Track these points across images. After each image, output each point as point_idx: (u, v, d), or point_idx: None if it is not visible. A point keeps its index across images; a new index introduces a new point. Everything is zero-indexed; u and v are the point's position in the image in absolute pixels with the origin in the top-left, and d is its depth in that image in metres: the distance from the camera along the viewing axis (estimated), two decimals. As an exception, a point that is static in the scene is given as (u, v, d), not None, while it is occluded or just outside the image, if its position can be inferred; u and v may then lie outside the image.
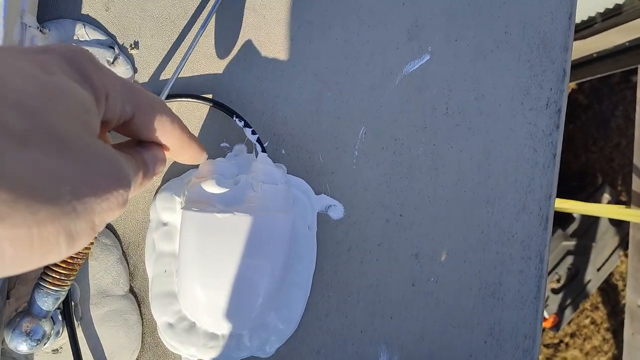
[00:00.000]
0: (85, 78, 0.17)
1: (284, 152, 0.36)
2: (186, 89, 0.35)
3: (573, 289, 1.28)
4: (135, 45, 0.34)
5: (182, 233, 0.31)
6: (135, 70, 0.34)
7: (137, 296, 0.34)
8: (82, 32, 0.33)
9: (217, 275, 0.32)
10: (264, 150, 0.34)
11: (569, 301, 1.28)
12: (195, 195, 0.31)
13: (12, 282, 0.31)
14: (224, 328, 0.33)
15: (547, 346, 1.42)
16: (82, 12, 0.34)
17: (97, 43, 0.33)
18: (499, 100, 0.38)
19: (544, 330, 1.39)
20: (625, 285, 1.37)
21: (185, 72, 0.35)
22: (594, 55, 1.25)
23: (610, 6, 1.13)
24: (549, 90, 0.39)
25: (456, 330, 0.38)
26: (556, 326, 1.28)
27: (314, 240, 0.36)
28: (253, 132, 0.34)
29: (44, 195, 0.14)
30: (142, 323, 0.34)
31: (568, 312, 1.28)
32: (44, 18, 0.33)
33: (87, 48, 0.33)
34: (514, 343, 0.39)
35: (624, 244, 1.32)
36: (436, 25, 0.37)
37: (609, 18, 1.14)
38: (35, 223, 0.13)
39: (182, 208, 0.32)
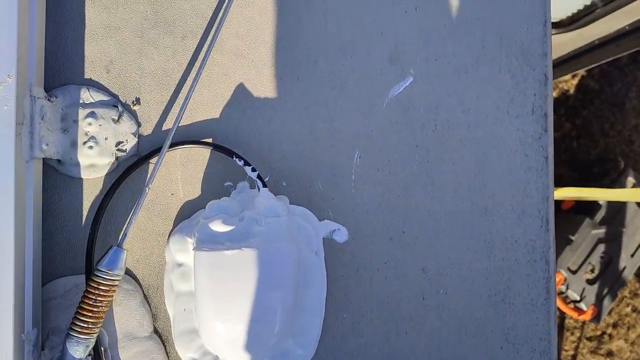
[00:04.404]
0: None
1: (284, 184, 0.38)
2: (187, 136, 0.37)
3: (609, 278, 1.25)
4: (137, 101, 0.37)
5: (196, 272, 0.33)
6: (139, 124, 0.37)
7: (161, 336, 0.36)
8: (87, 95, 0.36)
9: (233, 309, 0.34)
10: (264, 186, 0.36)
11: (606, 291, 1.25)
12: (204, 235, 0.34)
13: (45, 333, 0.34)
14: (245, 359, 0.35)
15: (589, 339, 1.38)
16: (85, 77, 0.37)
17: (102, 104, 0.36)
18: (485, 111, 0.40)
19: (584, 323, 1.36)
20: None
21: (185, 121, 0.37)
22: (596, 42, 1.25)
23: (607, -9, 1.13)
24: (532, 96, 0.41)
25: (471, 340, 0.39)
26: (596, 318, 1.25)
27: (323, 265, 0.37)
28: (253, 170, 0.36)
29: None
30: (168, 361, 0.36)
31: (607, 302, 1.25)
32: (50, 86, 0.36)
33: (93, 109, 0.35)
34: (530, 346, 0.39)
35: (655, 227, 1.30)
36: (415, 48, 0.39)
37: (610, 2, 1.14)
38: None
39: (193, 249, 0.34)
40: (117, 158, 0.36)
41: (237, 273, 0.33)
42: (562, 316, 1.37)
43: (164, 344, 0.36)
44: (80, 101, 0.36)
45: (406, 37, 0.39)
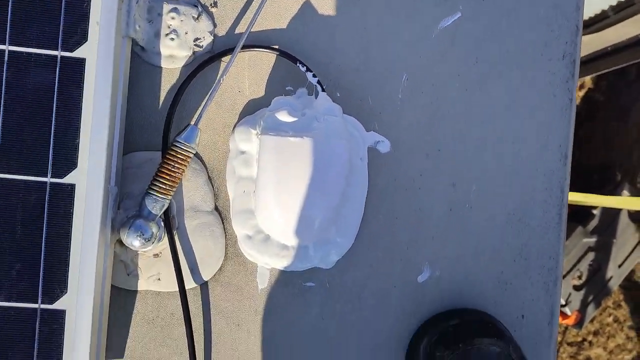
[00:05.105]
0: None
1: (338, 95, 0.42)
2: (256, 41, 0.41)
3: (595, 286, 1.29)
4: (214, 4, 0.41)
5: (261, 155, 0.38)
6: (215, 25, 0.41)
7: (220, 213, 0.40)
8: (171, -6, 0.40)
9: (289, 194, 0.38)
10: (323, 90, 0.40)
11: (591, 298, 1.29)
12: (270, 124, 0.38)
13: (120, 196, 0.38)
14: (293, 240, 0.39)
15: (570, 344, 1.42)
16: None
17: (183, 2, 0.40)
18: (522, 52, 0.44)
19: (566, 328, 1.39)
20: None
21: (256, 27, 0.41)
22: (609, 48, 1.28)
23: (623, -1, 1.16)
24: (564, 43, 0.45)
25: (489, 251, 0.43)
26: (579, 324, 1.28)
27: (366, 170, 0.42)
28: (314, 76, 0.40)
29: None
30: (225, 236, 0.40)
31: (590, 309, 1.29)
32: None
33: (176, 6, 0.39)
34: (540, 262, 0.44)
35: (646, 241, 1.33)
36: (466, -12, 0.44)
37: (621, 10, 1.18)
38: None
39: (260, 134, 0.38)
40: (194, 52, 0.40)
41: (298, 159, 0.37)
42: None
43: (222, 220, 0.40)
44: (165, -3, 0.40)
45: (458, -24, 0.43)
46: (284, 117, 0.38)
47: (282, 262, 0.40)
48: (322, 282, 0.42)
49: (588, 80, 1.53)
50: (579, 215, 1.31)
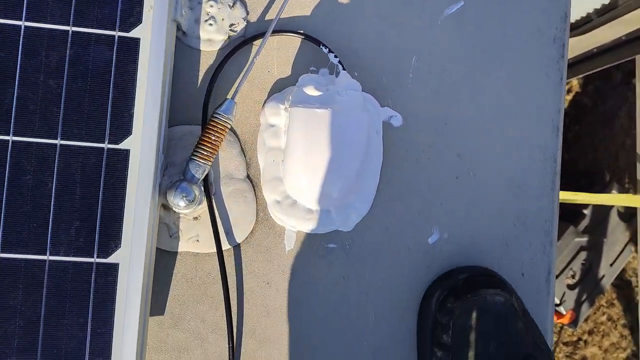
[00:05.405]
0: None
1: (356, 74, 0.47)
2: (284, 26, 0.46)
3: (588, 285, 1.32)
4: (246, -7, 0.46)
5: (290, 125, 0.42)
6: (247, 12, 0.45)
7: (252, 181, 0.45)
8: (205, -16, 0.44)
9: (315, 161, 0.43)
10: (344, 69, 0.45)
11: (584, 297, 1.32)
12: (299, 98, 0.42)
13: (164, 165, 0.42)
14: (317, 205, 0.44)
15: (566, 344, 1.45)
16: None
17: (218, -8, 0.44)
18: (520, 36, 0.49)
19: (561, 328, 1.41)
20: (638, 282, 1.41)
21: (284, 14, 0.46)
22: (594, 50, 1.34)
23: (607, 1, 1.22)
24: (555, 29, 0.50)
25: (492, 215, 0.48)
26: (574, 322, 1.31)
27: (381, 142, 0.46)
28: (335, 56, 0.45)
29: None
30: (256, 201, 0.44)
31: (585, 308, 1.32)
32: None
33: (211, -5, 0.44)
34: (537, 226, 0.49)
35: (634, 239, 1.37)
36: (467, -20, 0.49)
37: (604, 14, 1.24)
38: None
39: (290, 107, 0.42)
40: (229, 37, 0.44)
41: (323, 129, 0.42)
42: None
43: (254, 187, 0.45)
44: (202, -15, 0.44)
45: (461, -31, 0.49)
46: (311, 91, 0.42)
47: (307, 225, 0.44)
48: (343, 244, 0.46)
49: (575, 84, 1.59)
50: (570, 215, 1.35)
